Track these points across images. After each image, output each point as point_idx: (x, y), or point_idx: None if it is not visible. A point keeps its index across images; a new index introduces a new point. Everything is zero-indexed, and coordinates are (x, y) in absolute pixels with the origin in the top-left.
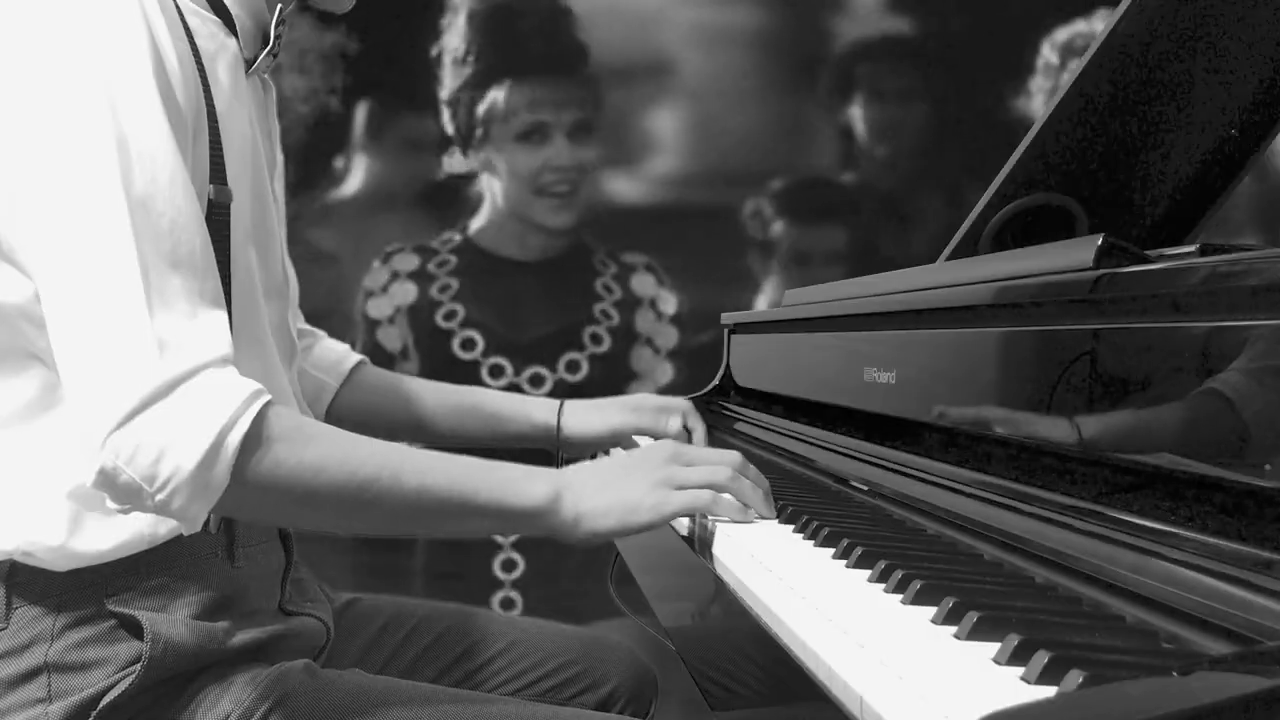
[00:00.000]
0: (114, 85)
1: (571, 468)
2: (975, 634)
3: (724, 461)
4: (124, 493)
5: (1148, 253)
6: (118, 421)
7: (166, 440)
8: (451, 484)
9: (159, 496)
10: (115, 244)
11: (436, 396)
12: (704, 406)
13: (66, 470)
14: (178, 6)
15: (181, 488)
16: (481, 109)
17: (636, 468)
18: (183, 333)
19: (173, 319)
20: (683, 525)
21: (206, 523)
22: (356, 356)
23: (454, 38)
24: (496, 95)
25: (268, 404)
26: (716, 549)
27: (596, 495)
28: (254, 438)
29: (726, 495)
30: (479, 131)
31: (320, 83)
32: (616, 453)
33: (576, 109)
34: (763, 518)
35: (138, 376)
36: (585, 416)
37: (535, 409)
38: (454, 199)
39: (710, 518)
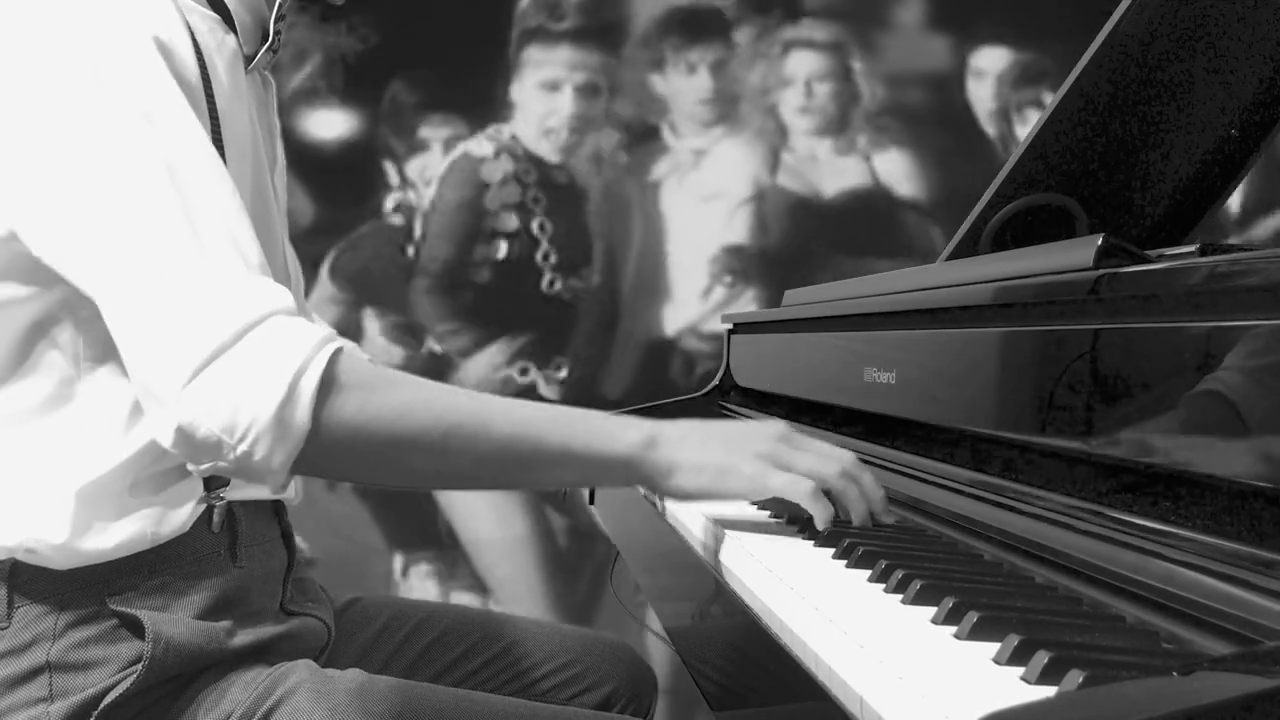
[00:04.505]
0: (131, 71)
1: (667, 421)
2: (975, 634)
3: (836, 457)
4: (203, 448)
5: (1148, 253)
6: (189, 375)
7: (242, 387)
8: (543, 430)
9: (241, 448)
10: (163, 208)
11: None
12: (704, 406)
13: (77, 467)
14: (177, 3)
15: (263, 435)
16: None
17: (742, 437)
18: (242, 286)
19: (231, 274)
20: (681, 525)
21: (208, 522)
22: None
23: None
24: (531, 54)
25: (340, 349)
26: (717, 549)
27: (694, 450)
28: (330, 381)
29: (824, 495)
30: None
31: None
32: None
33: (584, 72)
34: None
35: (204, 328)
36: None
37: None
38: None
39: (702, 513)
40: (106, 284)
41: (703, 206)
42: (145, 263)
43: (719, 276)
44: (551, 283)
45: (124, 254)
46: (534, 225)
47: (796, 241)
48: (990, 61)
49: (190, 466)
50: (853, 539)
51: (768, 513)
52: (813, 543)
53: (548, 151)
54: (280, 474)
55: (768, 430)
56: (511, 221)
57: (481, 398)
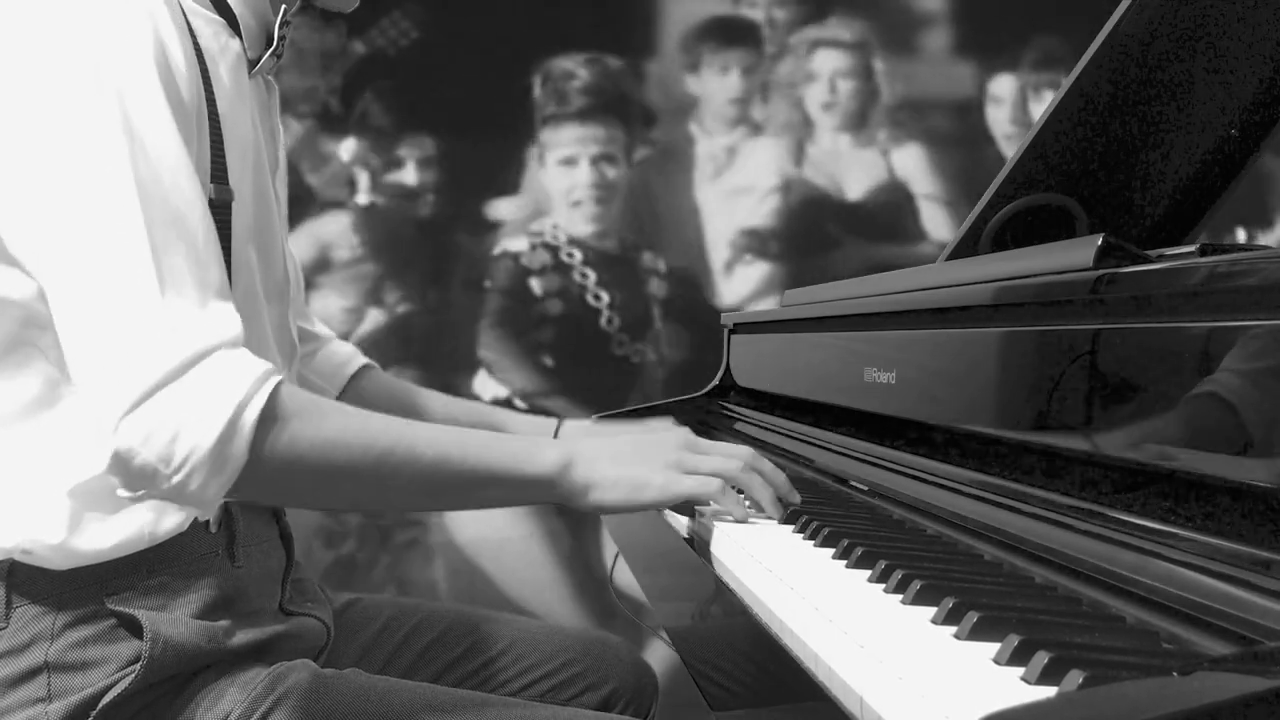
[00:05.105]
0: (119, 77)
1: (581, 438)
2: (975, 634)
3: (737, 455)
4: (138, 477)
5: (1148, 253)
6: (131, 404)
7: (182, 420)
8: (465, 454)
9: (175, 478)
10: (126, 229)
11: (442, 409)
12: (704, 407)
13: (68, 468)
14: (181, 7)
15: (199, 467)
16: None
17: (649, 448)
18: (194, 317)
19: (183, 304)
20: (683, 526)
21: (206, 522)
22: (361, 361)
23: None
24: (547, 135)
25: (281, 382)
26: (717, 549)
27: (607, 468)
28: (270, 414)
29: (733, 490)
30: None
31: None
32: (623, 428)
33: (597, 145)
34: (768, 518)
35: (150, 359)
36: None
37: (534, 430)
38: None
39: (710, 517)
40: (61, 295)
41: (739, 200)
42: (100, 281)
43: (746, 257)
44: (620, 343)
45: (82, 268)
46: (589, 298)
47: (830, 235)
48: (1005, 88)
49: (122, 492)
50: (853, 539)
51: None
52: (813, 543)
53: (581, 223)
54: (213, 503)
55: (671, 439)
56: (557, 305)
57: (410, 425)
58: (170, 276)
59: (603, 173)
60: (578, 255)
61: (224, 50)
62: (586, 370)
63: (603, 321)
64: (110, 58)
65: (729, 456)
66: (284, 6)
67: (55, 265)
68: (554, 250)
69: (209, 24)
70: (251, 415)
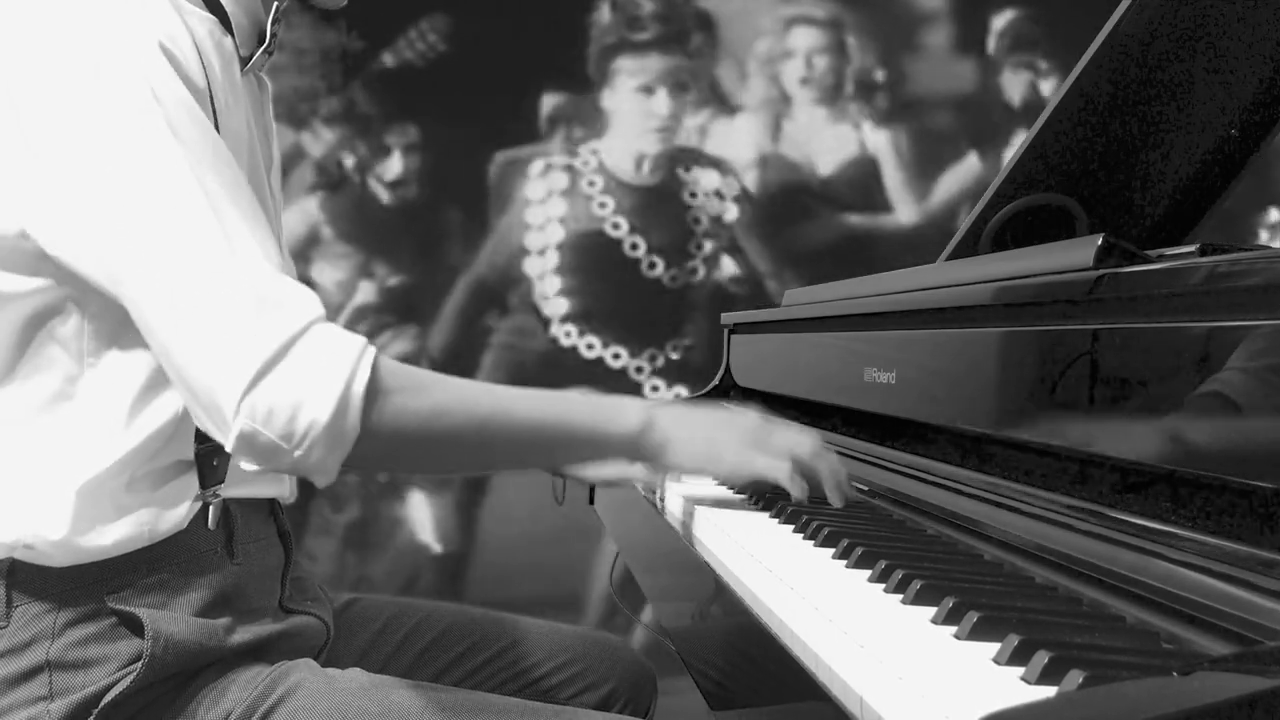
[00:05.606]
0: (144, 76)
1: (661, 404)
2: (975, 634)
3: (807, 437)
4: (263, 453)
5: (1148, 253)
6: (246, 385)
7: (298, 397)
8: (558, 417)
9: (297, 453)
10: (196, 216)
11: None
12: None
13: (76, 464)
14: (176, 6)
15: (319, 441)
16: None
17: (727, 424)
18: (280, 292)
19: (267, 281)
20: (680, 525)
21: (205, 520)
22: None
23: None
24: (622, 64)
25: (378, 355)
26: (717, 549)
27: (686, 432)
28: (374, 388)
29: (798, 477)
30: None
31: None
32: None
33: (671, 76)
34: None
35: (254, 341)
36: None
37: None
38: None
39: (702, 512)
40: (146, 293)
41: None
42: (185, 272)
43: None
44: (652, 265)
45: (164, 264)
46: (607, 227)
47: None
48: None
49: (248, 466)
50: (853, 539)
51: (767, 513)
52: (813, 543)
53: (630, 154)
54: (333, 472)
55: (746, 420)
56: (557, 232)
57: (504, 391)
58: (244, 254)
59: (677, 102)
60: (599, 183)
61: (217, 47)
62: (616, 298)
63: (627, 248)
64: (135, 59)
65: (799, 439)
66: (276, 4)
67: (133, 263)
68: (572, 172)
69: (202, 21)
70: (359, 388)
